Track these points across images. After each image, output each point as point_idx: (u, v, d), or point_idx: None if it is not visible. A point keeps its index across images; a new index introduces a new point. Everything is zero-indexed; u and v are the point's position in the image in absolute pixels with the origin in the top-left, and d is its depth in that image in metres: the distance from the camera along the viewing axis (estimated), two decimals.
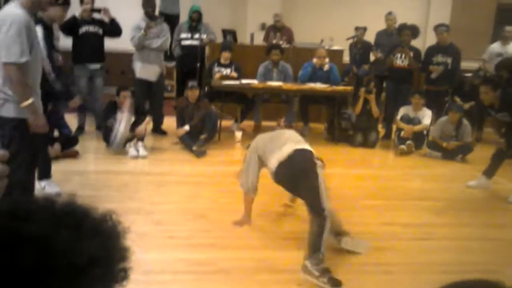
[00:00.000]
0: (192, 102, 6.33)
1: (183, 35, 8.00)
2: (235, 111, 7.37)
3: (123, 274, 0.80)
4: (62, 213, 0.77)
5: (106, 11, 6.36)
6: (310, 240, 3.10)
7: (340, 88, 7.06)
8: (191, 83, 6.43)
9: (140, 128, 5.80)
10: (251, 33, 8.46)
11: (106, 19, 6.42)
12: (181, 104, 6.51)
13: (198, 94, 6.37)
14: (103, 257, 0.75)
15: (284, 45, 7.80)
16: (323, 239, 3.07)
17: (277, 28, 8.27)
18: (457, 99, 7.23)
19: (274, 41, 8.08)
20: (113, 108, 5.86)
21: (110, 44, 6.92)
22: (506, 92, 4.67)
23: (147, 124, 5.98)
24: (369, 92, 6.71)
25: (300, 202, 4.28)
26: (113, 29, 6.47)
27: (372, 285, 3.05)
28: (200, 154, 5.83)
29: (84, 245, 0.73)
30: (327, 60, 7.22)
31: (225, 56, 7.28)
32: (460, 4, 10.26)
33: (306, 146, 3.53)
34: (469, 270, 3.32)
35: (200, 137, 6.13)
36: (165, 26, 6.85)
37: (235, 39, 8.18)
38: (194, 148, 5.91)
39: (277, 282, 3.02)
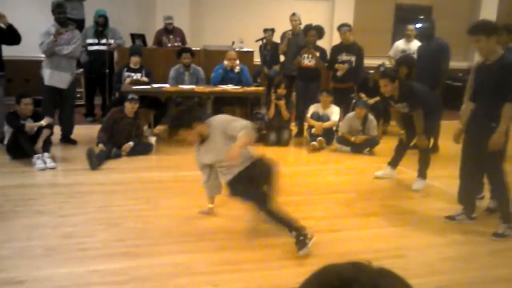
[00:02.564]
0: (130, 116, 6.13)
1: (90, 41, 7.76)
2: (148, 116, 7.25)
3: None
4: None
5: (2, 16, 6.00)
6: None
7: (252, 89, 7.17)
8: (131, 95, 6.17)
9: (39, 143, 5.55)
10: None
11: (3, 25, 6.07)
12: (115, 114, 6.15)
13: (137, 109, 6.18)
14: None
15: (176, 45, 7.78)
16: None
17: (169, 31, 8.20)
18: (362, 95, 7.58)
19: (169, 45, 8.04)
20: (15, 118, 5.57)
21: (12, 51, 6.56)
22: (404, 84, 4.96)
23: (44, 137, 5.62)
24: (278, 99, 6.86)
25: (216, 203, 4.30)
26: (11, 36, 6.13)
27: (286, 279, 3.11)
28: (94, 167, 5.46)
29: None
30: (237, 62, 7.30)
31: (135, 60, 7.14)
32: (362, 4, 10.78)
33: None
34: (381, 257, 3.48)
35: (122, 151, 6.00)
36: (77, 33, 6.61)
37: (144, 43, 8.04)
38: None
39: (193, 285, 3.01)
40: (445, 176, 5.49)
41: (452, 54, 6.58)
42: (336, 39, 8.19)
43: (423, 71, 6.22)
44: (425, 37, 6.70)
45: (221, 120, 3.86)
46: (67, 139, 6.63)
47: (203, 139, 3.81)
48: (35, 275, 3.06)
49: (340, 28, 7.29)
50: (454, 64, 7.19)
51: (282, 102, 6.87)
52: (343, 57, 7.22)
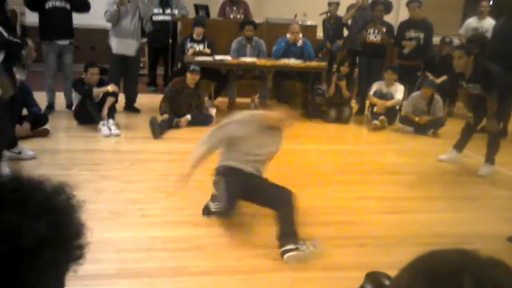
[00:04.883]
0: (191, 87, 6.21)
1: (155, 10, 7.81)
2: (209, 88, 7.29)
3: (79, 252, 0.72)
4: (6, 190, 0.67)
5: None
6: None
7: (314, 63, 7.04)
8: (193, 66, 6.22)
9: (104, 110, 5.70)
10: None
11: None
12: (176, 85, 6.23)
13: (199, 80, 6.24)
14: (55, 237, 0.66)
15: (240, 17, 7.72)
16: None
17: (233, 2, 8.13)
18: (429, 75, 7.28)
19: (231, 16, 7.98)
20: (81, 85, 5.75)
21: (80, 19, 6.73)
22: (479, 63, 4.69)
23: (109, 104, 5.76)
24: (339, 79, 6.69)
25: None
26: (81, 4, 6.29)
27: (345, 258, 3.08)
28: (156, 135, 5.55)
29: (31, 226, 0.64)
30: (300, 35, 7.18)
31: (198, 31, 7.17)
32: None
33: None
34: (441, 242, 3.37)
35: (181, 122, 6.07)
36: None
37: (207, 14, 8.04)
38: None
39: (253, 257, 3.03)
40: None
41: None
42: (403, 15, 7.89)
43: (498, 51, 5.86)
44: (506, 13, 6.26)
45: None
46: (130, 107, 6.78)
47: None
48: (100, 237, 3.16)
49: (409, 3, 7.01)
50: None
51: (343, 83, 6.70)
52: (411, 33, 6.96)
